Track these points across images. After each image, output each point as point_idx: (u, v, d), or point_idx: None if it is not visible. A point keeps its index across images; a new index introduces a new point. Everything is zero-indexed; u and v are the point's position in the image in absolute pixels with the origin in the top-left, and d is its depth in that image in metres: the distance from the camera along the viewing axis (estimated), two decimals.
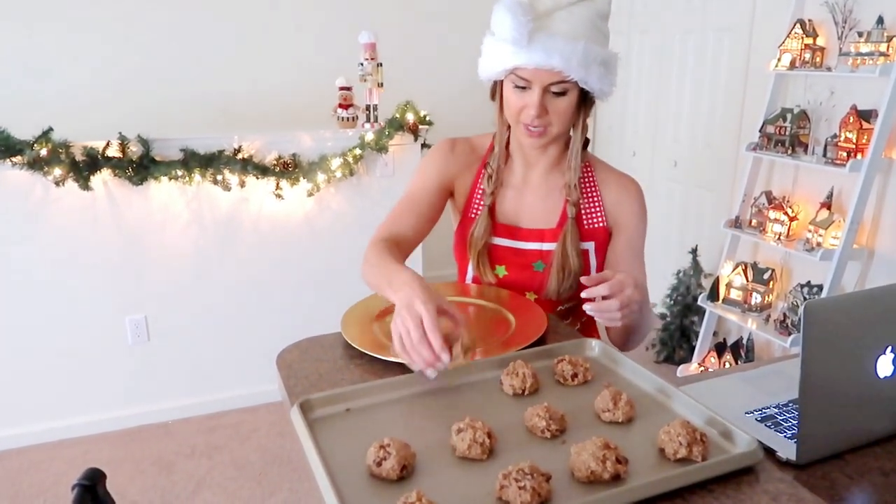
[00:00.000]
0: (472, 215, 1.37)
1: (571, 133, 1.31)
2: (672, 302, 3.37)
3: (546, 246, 1.32)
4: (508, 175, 1.36)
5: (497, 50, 1.19)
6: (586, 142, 1.33)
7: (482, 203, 1.35)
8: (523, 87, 1.20)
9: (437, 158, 1.39)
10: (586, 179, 1.34)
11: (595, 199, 1.33)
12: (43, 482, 2.51)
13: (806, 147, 2.71)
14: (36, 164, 2.46)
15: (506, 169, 1.36)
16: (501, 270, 1.36)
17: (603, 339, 1.28)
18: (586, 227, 1.33)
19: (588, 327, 1.41)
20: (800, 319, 2.56)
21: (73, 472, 2.57)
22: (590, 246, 1.33)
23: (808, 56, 2.65)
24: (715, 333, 3.19)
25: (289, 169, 2.78)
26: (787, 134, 2.70)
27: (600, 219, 1.33)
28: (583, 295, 1.02)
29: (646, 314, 1.24)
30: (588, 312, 1.03)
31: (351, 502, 0.72)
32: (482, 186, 1.36)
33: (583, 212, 1.33)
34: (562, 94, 1.19)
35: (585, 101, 1.25)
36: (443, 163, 1.38)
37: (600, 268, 1.35)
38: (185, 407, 2.95)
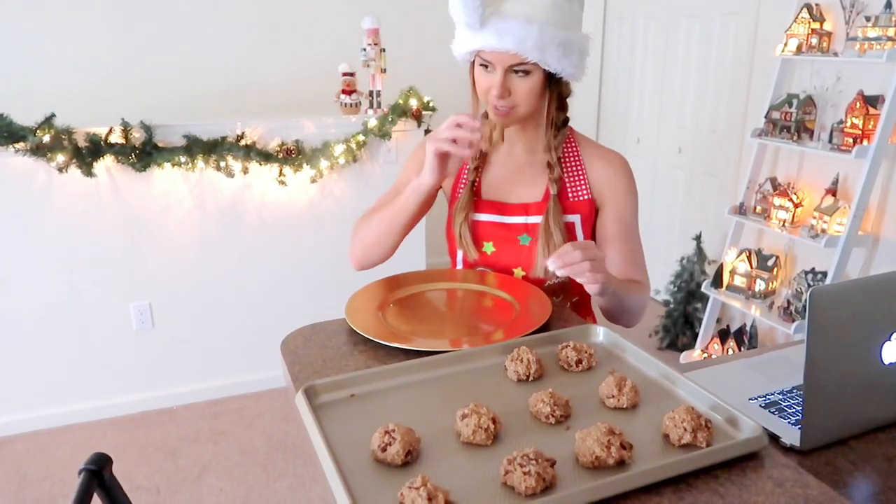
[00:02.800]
0: (459, 194, 1.40)
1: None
2: (676, 288, 3.37)
3: (531, 219, 1.34)
4: (494, 153, 1.40)
5: (459, 34, 1.25)
6: (566, 120, 1.36)
7: (466, 180, 1.39)
8: (488, 69, 1.24)
9: (419, 153, 1.43)
10: (570, 155, 1.36)
11: (580, 172, 1.35)
12: (49, 467, 2.53)
13: (812, 133, 2.69)
14: (39, 151, 2.46)
15: (491, 147, 1.39)
16: (489, 247, 1.38)
17: (599, 320, 1.29)
18: (571, 199, 1.34)
19: (581, 306, 1.41)
20: (804, 306, 2.56)
21: (78, 456, 2.59)
22: (575, 219, 1.34)
23: (814, 41, 2.62)
24: (718, 320, 3.19)
25: (292, 155, 2.78)
26: (792, 120, 2.69)
27: (585, 192, 1.34)
28: (549, 267, 1.07)
29: (632, 288, 1.27)
30: (559, 273, 1.07)
31: (356, 487, 0.72)
32: (468, 166, 1.40)
33: (567, 186, 1.34)
34: (524, 74, 1.22)
35: (553, 81, 1.26)
36: (423, 156, 1.41)
37: (588, 240, 1.36)
38: (190, 392, 2.96)
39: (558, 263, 1.06)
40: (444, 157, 1.22)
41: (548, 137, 1.32)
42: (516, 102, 1.24)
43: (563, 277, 1.10)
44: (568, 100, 1.34)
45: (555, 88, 1.28)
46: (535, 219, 1.34)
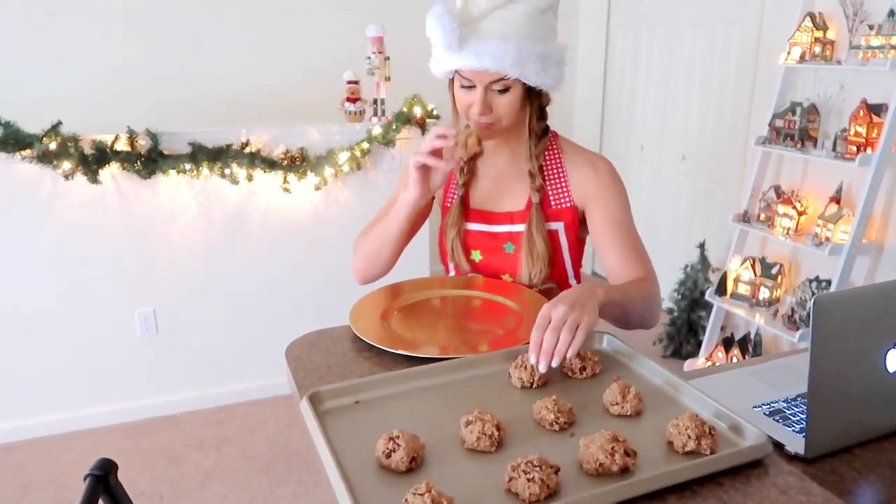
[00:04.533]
0: (449, 204, 1.43)
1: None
2: (679, 296, 3.37)
3: (515, 228, 1.36)
4: (481, 164, 1.43)
5: (437, 54, 1.26)
6: (546, 129, 1.37)
7: (455, 193, 1.42)
8: (468, 87, 1.25)
9: None
10: (553, 162, 1.37)
11: (561, 180, 1.36)
12: (53, 472, 2.53)
13: (815, 141, 2.69)
14: (45, 158, 2.47)
15: (478, 159, 1.43)
16: (477, 255, 1.40)
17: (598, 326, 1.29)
18: (553, 207, 1.35)
19: None
20: (808, 314, 2.55)
21: (82, 463, 2.59)
22: (559, 226, 1.35)
23: (818, 49, 2.63)
24: (722, 328, 3.18)
25: (296, 163, 2.79)
26: (796, 128, 2.69)
27: (567, 199, 1.35)
28: (541, 370, 0.96)
29: (632, 289, 1.22)
30: (554, 365, 0.96)
31: (360, 493, 0.72)
32: (456, 178, 1.42)
33: (549, 193, 1.36)
34: (504, 90, 1.24)
35: (533, 93, 1.29)
36: None
37: (573, 247, 1.37)
38: (194, 399, 2.96)
39: (547, 361, 0.95)
40: (425, 170, 1.24)
41: (529, 147, 1.34)
42: (498, 118, 1.27)
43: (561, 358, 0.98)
44: (548, 108, 1.36)
45: (535, 100, 1.30)
46: (520, 227, 1.35)
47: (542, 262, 1.32)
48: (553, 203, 1.35)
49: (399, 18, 3.56)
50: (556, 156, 1.37)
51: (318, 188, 2.88)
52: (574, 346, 0.96)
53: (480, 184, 1.41)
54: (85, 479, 0.89)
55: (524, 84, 1.24)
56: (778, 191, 2.85)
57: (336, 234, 2.99)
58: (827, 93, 2.72)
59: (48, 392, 2.76)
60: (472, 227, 1.39)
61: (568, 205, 1.35)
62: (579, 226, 1.36)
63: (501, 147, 1.38)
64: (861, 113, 2.45)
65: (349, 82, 2.96)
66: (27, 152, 2.45)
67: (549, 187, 1.35)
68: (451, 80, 1.31)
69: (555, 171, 1.36)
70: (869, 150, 2.42)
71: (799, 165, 2.87)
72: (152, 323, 2.84)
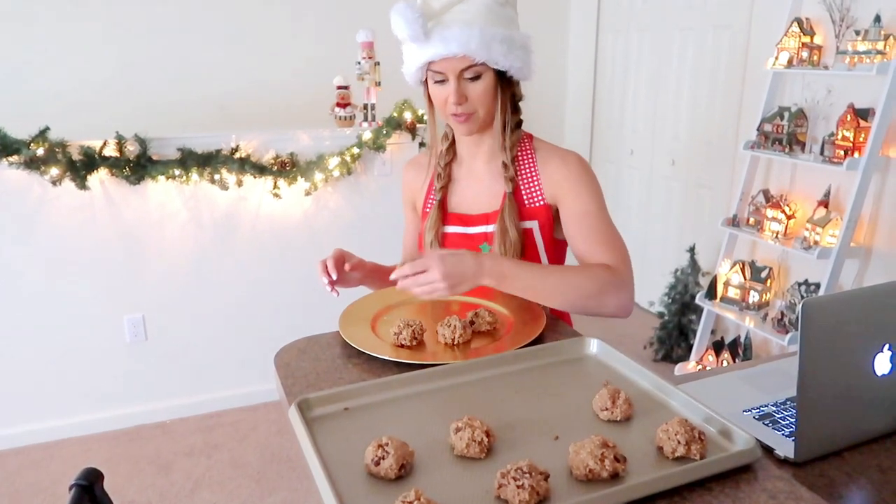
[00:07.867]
0: (427, 210, 1.45)
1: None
2: (670, 300, 3.37)
3: (491, 228, 1.37)
4: (457, 169, 1.45)
5: (408, 52, 1.30)
6: (520, 122, 1.40)
7: (434, 198, 1.44)
8: (441, 81, 1.29)
9: (403, 190, 1.56)
10: (525, 159, 1.38)
11: (534, 177, 1.37)
12: (41, 481, 2.51)
13: (803, 145, 2.71)
14: (33, 164, 2.46)
15: (454, 164, 1.45)
16: None
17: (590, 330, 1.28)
18: (527, 205, 1.36)
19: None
20: (797, 317, 2.56)
21: (70, 471, 2.56)
22: (533, 225, 1.36)
23: (805, 54, 2.65)
24: (713, 332, 3.19)
25: (286, 168, 2.78)
26: (784, 132, 2.71)
27: (539, 197, 1.36)
28: (392, 277, 1.15)
29: (561, 271, 1.23)
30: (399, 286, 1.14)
31: (349, 501, 0.72)
32: (435, 184, 1.45)
33: (522, 191, 1.37)
34: (476, 78, 1.27)
35: (504, 82, 1.32)
36: (405, 191, 1.56)
37: (549, 247, 1.37)
38: (183, 406, 2.94)
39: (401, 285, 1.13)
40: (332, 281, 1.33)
41: (503, 139, 1.36)
42: (474, 107, 1.29)
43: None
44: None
45: (507, 89, 1.33)
46: (494, 227, 1.36)
47: (513, 250, 1.32)
48: (527, 201, 1.36)
49: (389, 24, 3.56)
50: (530, 155, 1.39)
51: (308, 193, 2.87)
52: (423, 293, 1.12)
53: (457, 187, 1.43)
54: (70, 489, 0.88)
55: (495, 71, 1.28)
56: (767, 195, 2.86)
57: (326, 239, 2.99)
58: (814, 97, 2.74)
59: (36, 399, 2.74)
60: (450, 229, 1.41)
61: (541, 203, 1.35)
62: (554, 225, 1.37)
63: (478, 147, 1.40)
64: (848, 117, 2.47)
65: (339, 87, 2.96)
66: (14, 158, 2.44)
67: (522, 186, 1.37)
68: (425, 84, 1.34)
69: (527, 169, 1.37)
70: (856, 155, 2.44)
71: (787, 170, 2.88)
72: (141, 329, 2.82)
